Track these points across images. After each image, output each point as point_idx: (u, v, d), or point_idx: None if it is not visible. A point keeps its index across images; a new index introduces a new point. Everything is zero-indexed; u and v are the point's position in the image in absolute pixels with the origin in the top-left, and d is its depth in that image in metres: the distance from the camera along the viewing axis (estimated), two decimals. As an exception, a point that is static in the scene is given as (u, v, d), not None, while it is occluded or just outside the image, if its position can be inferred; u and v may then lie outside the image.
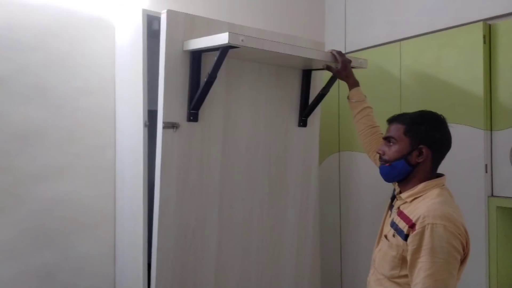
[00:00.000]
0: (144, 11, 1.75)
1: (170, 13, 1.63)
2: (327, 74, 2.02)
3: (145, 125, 1.74)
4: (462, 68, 2.01)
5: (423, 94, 2.17)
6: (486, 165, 1.93)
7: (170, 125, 1.66)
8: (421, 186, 1.28)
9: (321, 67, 1.96)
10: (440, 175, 1.34)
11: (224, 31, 1.54)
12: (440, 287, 1.13)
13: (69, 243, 1.99)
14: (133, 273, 1.84)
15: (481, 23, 1.95)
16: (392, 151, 1.33)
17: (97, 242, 2.07)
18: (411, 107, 2.22)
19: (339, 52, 1.83)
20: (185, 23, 1.67)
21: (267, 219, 2.04)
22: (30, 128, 1.89)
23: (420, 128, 1.30)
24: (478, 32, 1.95)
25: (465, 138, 1.98)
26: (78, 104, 2.02)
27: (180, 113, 1.70)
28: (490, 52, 1.95)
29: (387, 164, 1.34)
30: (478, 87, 1.94)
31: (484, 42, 1.94)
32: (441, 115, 1.36)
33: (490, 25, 1.95)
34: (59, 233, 1.96)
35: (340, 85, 2.63)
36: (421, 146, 1.28)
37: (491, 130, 1.94)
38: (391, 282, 1.29)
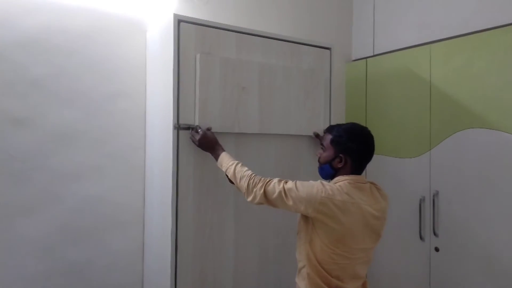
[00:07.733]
0: (175, 16, 1.79)
1: (183, 25, 1.80)
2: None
3: (174, 127, 1.78)
4: (495, 72, 1.96)
5: (454, 98, 2.13)
6: (519, 172, 1.88)
7: (186, 127, 1.81)
8: (335, 179, 1.57)
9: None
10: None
11: (231, 42, 1.90)
12: (288, 187, 1.48)
13: (101, 239, 2.07)
14: (160, 270, 1.90)
15: (516, 26, 1.90)
16: (323, 156, 1.62)
17: (127, 239, 2.14)
18: (441, 112, 2.19)
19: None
20: (196, 35, 1.84)
21: (282, 220, 2.09)
22: (66, 129, 1.97)
23: (341, 140, 1.55)
24: (513, 35, 1.90)
25: (498, 144, 1.93)
26: (112, 106, 2.09)
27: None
28: (525, 56, 1.90)
29: (319, 166, 1.64)
30: (512, 92, 1.90)
31: (519, 46, 1.89)
32: (364, 128, 1.59)
33: (526, 28, 1.90)
34: (91, 230, 2.04)
35: (368, 93, 2.61)
36: (341, 155, 1.54)
37: (525, 136, 1.89)
38: None
